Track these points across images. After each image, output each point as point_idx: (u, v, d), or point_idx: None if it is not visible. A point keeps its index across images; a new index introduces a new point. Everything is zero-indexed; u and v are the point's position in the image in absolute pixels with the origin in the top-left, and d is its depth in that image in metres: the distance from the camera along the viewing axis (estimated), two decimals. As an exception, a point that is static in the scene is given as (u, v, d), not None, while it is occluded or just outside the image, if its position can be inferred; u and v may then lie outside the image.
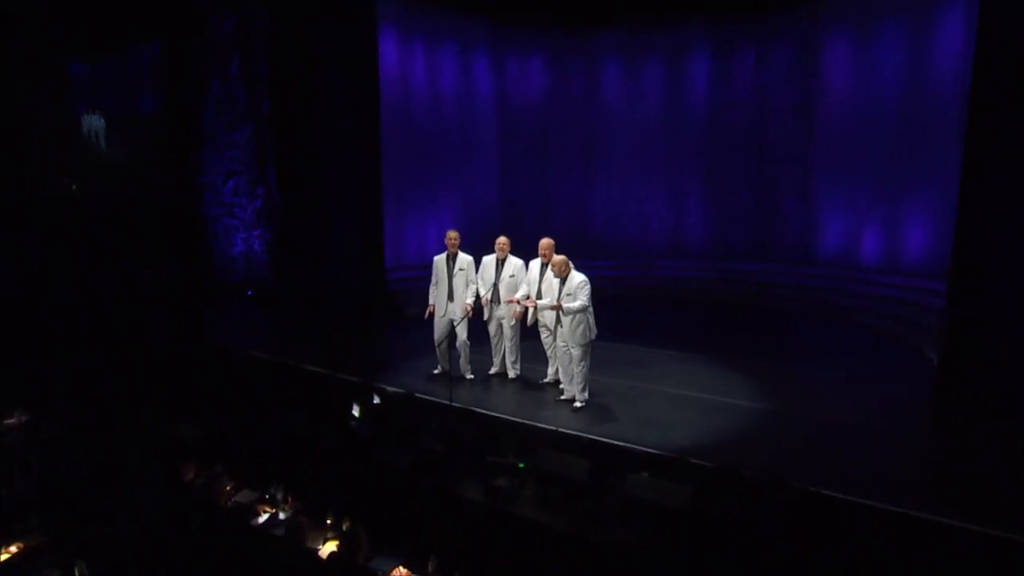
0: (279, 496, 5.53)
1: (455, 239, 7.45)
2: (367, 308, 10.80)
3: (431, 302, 7.55)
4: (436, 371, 7.65)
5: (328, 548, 4.74)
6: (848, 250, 11.91)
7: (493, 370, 7.68)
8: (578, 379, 6.59)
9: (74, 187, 12.54)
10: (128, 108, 12.65)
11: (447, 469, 5.61)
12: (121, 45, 12.43)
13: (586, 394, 6.64)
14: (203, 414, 7.26)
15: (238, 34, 11.82)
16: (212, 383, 8.18)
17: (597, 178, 13.85)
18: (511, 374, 7.55)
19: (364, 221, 11.21)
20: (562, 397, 6.88)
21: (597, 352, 7.52)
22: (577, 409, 6.55)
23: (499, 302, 7.33)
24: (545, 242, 7.02)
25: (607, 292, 12.21)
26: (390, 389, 7.17)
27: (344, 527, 4.99)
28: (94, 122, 12.67)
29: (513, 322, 7.37)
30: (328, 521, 5.16)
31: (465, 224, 12.88)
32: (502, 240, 7.36)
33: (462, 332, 7.51)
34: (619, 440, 5.68)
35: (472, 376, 7.59)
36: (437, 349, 7.64)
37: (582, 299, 6.38)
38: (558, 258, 6.57)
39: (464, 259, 7.44)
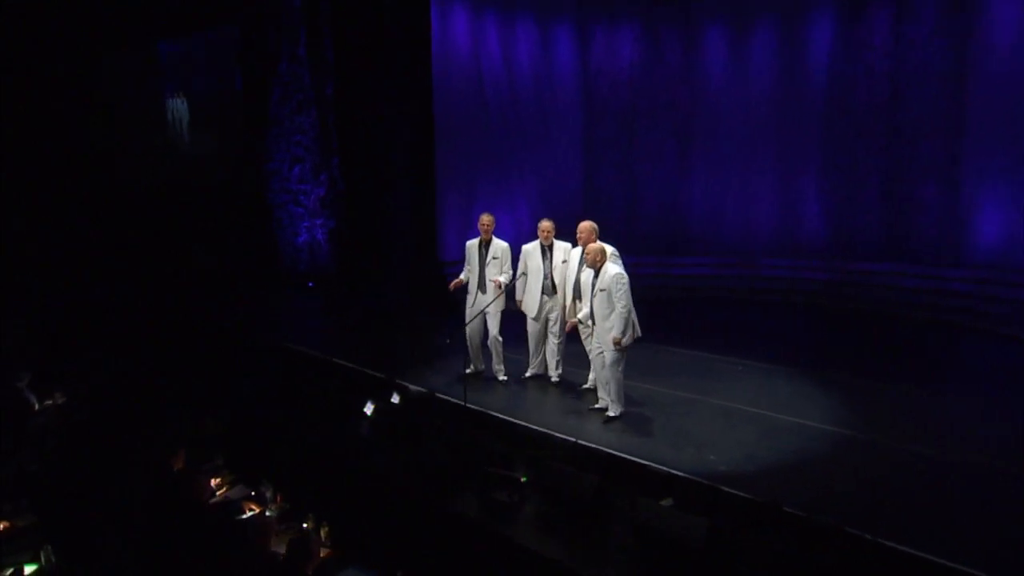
0: (268, 494, 5.44)
1: (488, 224, 7.09)
2: (419, 301, 10.61)
3: (462, 278, 7.23)
4: (468, 370, 7.28)
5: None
6: (1006, 247, 10.17)
7: (529, 372, 7.25)
8: (612, 386, 6.07)
9: (138, 178, 13.33)
10: (211, 91, 13.22)
11: (444, 478, 5.37)
12: (208, 24, 12.97)
13: (621, 403, 6.14)
14: (223, 405, 7.36)
15: (305, 14, 12.08)
16: (240, 374, 8.32)
17: (694, 164, 12.90)
18: (554, 377, 7.12)
19: (418, 210, 11.07)
20: (597, 406, 6.39)
21: (660, 358, 7.61)
22: (609, 420, 6.07)
23: (552, 293, 6.88)
24: (583, 225, 6.45)
25: (699, 294, 11.90)
26: (412, 388, 6.97)
27: (323, 532, 4.81)
28: (178, 106, 13.37)
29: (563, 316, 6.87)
30: (305, 525, 4.94)
31: (542, 216, 12.31)
32: (545, 224, 6.88)
33: (493, 327, 7.16)
34: (643, 458, 5.16)
35: (505, 377, 7.23)
36: (468, 346, 7.30)
37: (622, 301, 5.84)
38: (594, 245, 6.08)
39: (499, 246, 7.07)
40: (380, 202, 11.55)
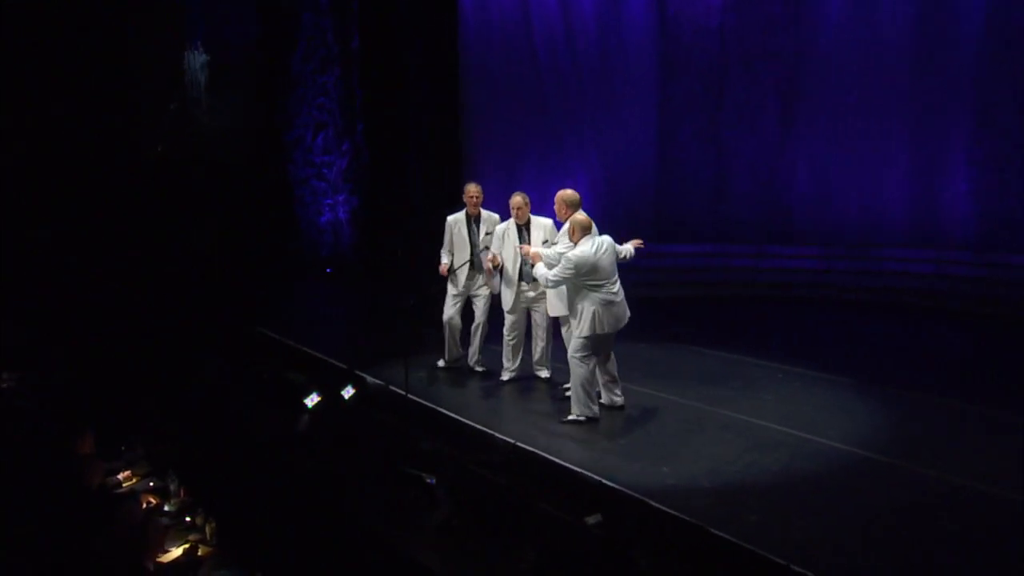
0: (172, 487, 5.48)
1: (477, 195, 7.05)
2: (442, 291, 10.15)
3: (444, 261, 7.19)
4: (441, 363, 7.37)
5: (175, 553, 4.69)
6: None
7: (506, 376, 7.04)
8: (574, 382, 5.98)
9: (160, 148, 13.38)
10: (231, 45, 12.85)
11: (356, 477, 5.65)
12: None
13: (586, 405, 5.99)
14: (173, 391, 7.56)
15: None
16: (200, 361, 8.44)
17: (800, 130, 11.56)
18: (543, 373, 7.05)
19: (444, 183, 10.53)
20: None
21: (689, 360, 7.76)
22: (566, 422, 6.02)
23: (533, 279, 6.64)
24: (556, 197, 6.28)
25: (797, 292, 10.80)
26: (370, 380, 7.17)
27: (208, 529, 4.87)
28: (197, 59, 13.32)
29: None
30: (189, 519, 5.03)
31: (606, 196, 11.84)
32: (516, 200, 6.73)
33: (481, 312, 7.13)
34: (580, 466, 5.20)
35: (483, 368, 7.24)
36: (446, 334, 7.24)
37: (556, 270, 5.80)
38: (576, 219, 6.00)
39: (491, 219, 7.08)
40: (404, 177, 11.25)
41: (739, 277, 11.27)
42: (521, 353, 6.96)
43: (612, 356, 6.19)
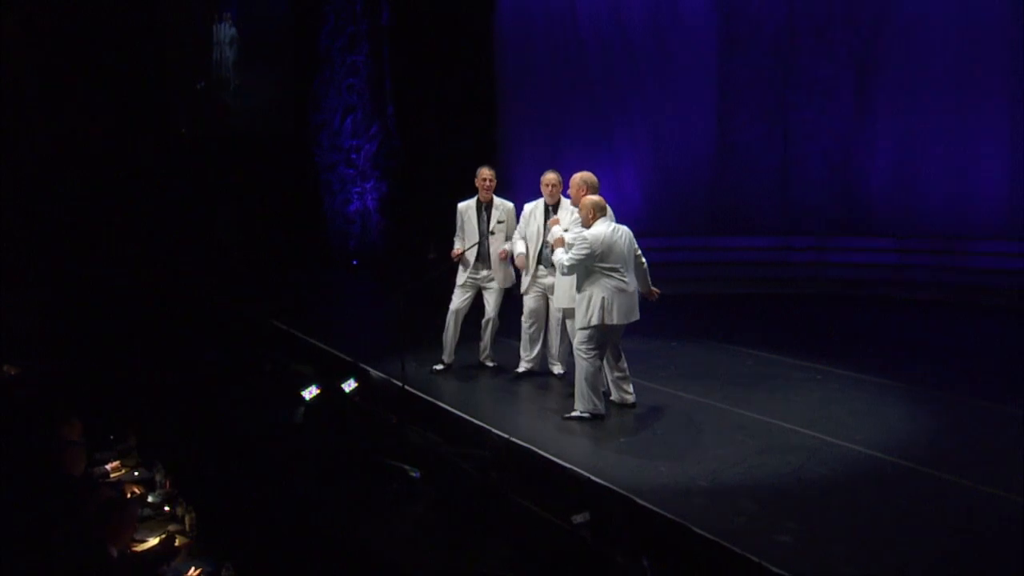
0: (158, 478, 5.66)
1: (490, 179, 6.82)
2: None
3: (457, 246, 7.06)
4: (438, 367, 7.19)
5: (151, 542, 4.83)
6: None
7: (522, 367, 6.92)
8: (579, 375, 5.85)
9: (183, 130, 13.39)
10: (260, 19, 12.78)
11: (338, 468, 5.76)
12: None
13: (590, 401, 5.85)
14: (170, 382, 7.63)
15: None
16: (202, 350, 8.54)
17: (880, 108, 11.07)
18: (557, 369, 6.91)
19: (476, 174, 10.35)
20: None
21: (719, 359, 7.62)
22: (568, 418, 5.91)
23: (552, 264, 6.43)
24: (573, 178, 6.18)
25: (869, 290, 10.27)
26: (373, 373, 7.19)
27: (187, 520, 5.03)
28: (225, 33, 13.20)
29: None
30: (168, 509, 5.12)
31: (657, 184, 11.55)
32: (549, 177, 6.51)
33: (493, 307, 6.99)
34: (573, 462, 5.16)
35: (493, 363, 7.18)
36: (446, 329, 7.04)
37: (572, 252, 5.68)
38: (590, 199, 5.84)
39: (504, 207, 6.90)
40: (436, 162, 10.96)
41: (803, 273, 10.79)
42: (539, 346, 6.82)
43: (622, 351, 5.99)
